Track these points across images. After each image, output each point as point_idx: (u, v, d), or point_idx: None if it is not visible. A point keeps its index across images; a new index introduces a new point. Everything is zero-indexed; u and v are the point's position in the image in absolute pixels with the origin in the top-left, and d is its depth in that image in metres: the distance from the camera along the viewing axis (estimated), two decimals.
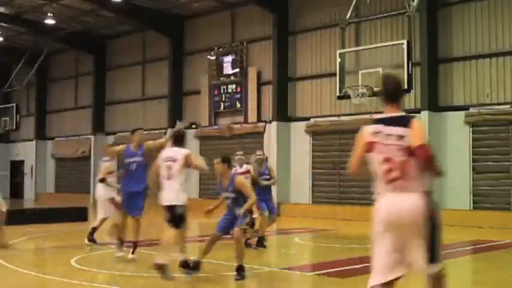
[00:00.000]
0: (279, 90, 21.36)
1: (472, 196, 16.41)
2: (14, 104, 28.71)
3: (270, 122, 21.75)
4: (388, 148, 4.07)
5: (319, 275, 8.29)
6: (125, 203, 9.55)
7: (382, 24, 19.03)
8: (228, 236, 7.86)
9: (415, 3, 15.30)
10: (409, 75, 14.38)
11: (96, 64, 29.03)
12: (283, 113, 21.37)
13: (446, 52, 17.99)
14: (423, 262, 4.07)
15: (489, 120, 16.80)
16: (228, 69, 23.41)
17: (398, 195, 4.10)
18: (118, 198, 10.52)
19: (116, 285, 7.38)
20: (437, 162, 4.05)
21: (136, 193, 9.28)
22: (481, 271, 9.10)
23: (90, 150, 29.01)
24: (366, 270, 8.80)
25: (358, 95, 15.10)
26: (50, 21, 24.77)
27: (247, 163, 11.23)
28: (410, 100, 18.15)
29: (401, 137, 4.04)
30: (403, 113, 4.23)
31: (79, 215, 17.43)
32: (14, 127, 28.40)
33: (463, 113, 17.26)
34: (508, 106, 16.65)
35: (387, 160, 4.09)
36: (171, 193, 7.65)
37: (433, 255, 4.09)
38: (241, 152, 11.46)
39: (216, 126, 23.85)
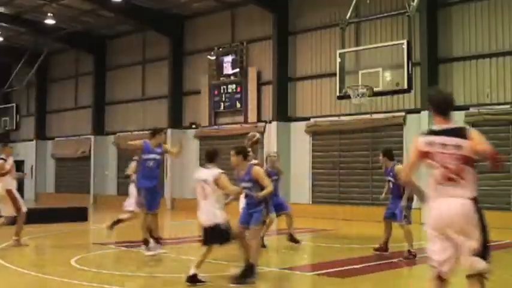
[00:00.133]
0: (279, 90, 21.36)
1: None
2: (14, 104, 28.76)
3: (270, 122, 21.75)
4: (445, 156, 4.49)
5: (319, 275, 8.29)
6: (146, 199, 9.60)
7: (382, 24, 19.03)
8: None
9: (415, 3, 15.30)
10: (409, 75, 14.38)
11: (96, 64, 29.02)
12: (283, 113, 21.37)
13: (446, 52, 17.99)
14: (473, 259, 4.44)
15: (489, 120, 16.79)
16: (228, 69, 23.40)
17: (452, 199, 4.50)
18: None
19: (116, 285, 7.38)
20: (502, 159, 4.52)
21: (155, 188, 9.74)
22: None
23: (90, 150, 29.02)
24: (366, 270, 8.85)
25: (358, 95, 15.10)
26: (50, 21, 24.75)
27: (255, 159, 11.24)
28: (410, 100, 18.17)
29: (458, 147, 4.48)
30: (456, 125, 4.64)
31: (79, 215, 17.45)
32: (14, 127, 28.45)
33: (463, 113, 17.24)
34: (508, 106, 16.65)
35: (444, 167, 4.51)
36: (208, 214, 7.58)
37: (484, 254, 4.46)
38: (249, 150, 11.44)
39: (216, 127, 23.86)
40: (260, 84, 22.54)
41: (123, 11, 24.21)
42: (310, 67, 21.17)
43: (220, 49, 23.67)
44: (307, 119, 20.96)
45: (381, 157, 10.40)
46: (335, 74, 16.29)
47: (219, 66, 23.63)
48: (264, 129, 22.00)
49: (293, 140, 21.21)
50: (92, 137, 28.94)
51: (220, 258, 8.99)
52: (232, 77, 23.22)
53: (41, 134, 32.05)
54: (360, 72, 15.30)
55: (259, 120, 22.36)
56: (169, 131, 24.76)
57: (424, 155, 4.59)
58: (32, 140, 32.16)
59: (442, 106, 4.66)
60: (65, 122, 31.48)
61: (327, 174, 20.40)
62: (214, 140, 23.78)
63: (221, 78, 23.53)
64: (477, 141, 4.47)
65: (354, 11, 16.95)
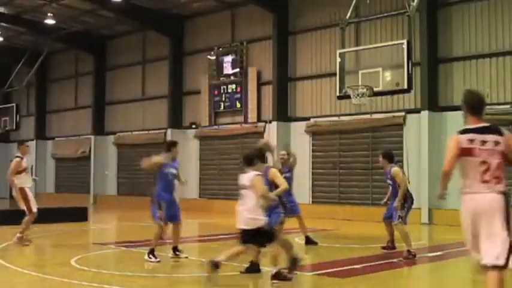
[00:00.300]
0: (279, 90, 21.37)
1: None
2: (14, 104, 28.72)
3: (270, 122, 21.75)
4: (485, 152, 4.89)
5: (319, 275, 8.29)
6: (168, 212, 9.60)
7: (382, 24, 19.03)
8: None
9: (415, 3, 15.30)
10: (409, 75, 14.37)
11: (96, 64, 29.02)
12: (283, 113, 21.37)
13: (446, 52, 17.99)
14: (502, 252, 4.78)
15: (489, 120, 16.74)
16: (228, 69, 23.41)
17: (488, 193, 4.87)
18: None
19: (116, 285, 7.38)
20: None
21: (175, 201, 9.91)
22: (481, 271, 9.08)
23: (90, 150, 29.03)
24: (366, 270, 8.84)
25: (358, 95, 15.08)
26: (50, 21, 24.75)
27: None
28: (410, 100, 18.17)
29: (497, 143, 4.93)
30: (490, 123, 5.09)
31: (79, 215, 17.45)
32: (14, 127, 28.41)
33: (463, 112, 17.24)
34: (508, 106, 16.65)
35: (484, 163, 4.89)
36: (249, 218, 7.54)
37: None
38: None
39: (216, 127, 23.87)
40: (260, 84, 22.54)
41: (123, 11, 24.22)
42: (310, 67, 21.17)
43: (220, 49, 23.67)
44: (307, 119, 20.95)
45: (380, 159, 10.41)
46: (335, 74, 16.28)
47: (219, 66, 23.63)
48: (264, 129, 22.01)
49: (293, 140, 21.20)
50: (92, 137, 28.95)
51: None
52: (232, 77, 23.22)
53: (41, 134, 32.05)
54: (360, 72, 15.28)
55: (259, 120, 22.36)
56: (169, 131, 24.78)
57: (465, 152, 4.93)
58: (32, 140, 32.14)
59: (477, 107, 5.08)
60: (65, 122, 31.49)
61: (327, 174, 20.40)
62: (214, 140, 23.82)
63: (221, 78, 23.53)
64: (510, 138, 4.96)
65: (354, 11, 16.94)
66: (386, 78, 14.90)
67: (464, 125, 5.14)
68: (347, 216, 18.84)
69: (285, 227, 12.01)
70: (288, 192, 10.69)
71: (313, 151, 20.79)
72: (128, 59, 27.82)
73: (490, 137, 4.92)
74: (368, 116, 19.21)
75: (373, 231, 13.87)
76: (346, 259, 9.94)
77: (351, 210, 19.10)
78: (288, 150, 12.51)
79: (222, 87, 23.56)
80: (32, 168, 31.30)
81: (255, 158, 7.71)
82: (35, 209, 11.63)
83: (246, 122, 22.81)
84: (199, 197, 24.07)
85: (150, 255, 9.34)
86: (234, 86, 23.22)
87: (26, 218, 11.57)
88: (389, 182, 10.19)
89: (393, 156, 10.51)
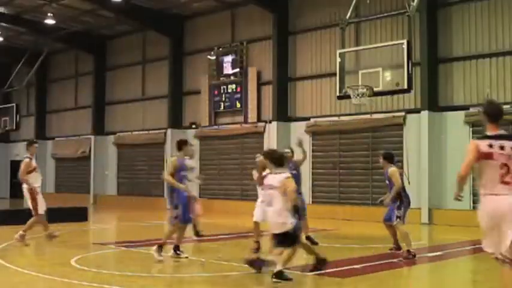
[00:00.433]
0: (279, 90, 21.36)
1: (472, 196, 16.37)
2: (14, 104, 28.71)
3: (270, 122, 21.75)
4: (503, 156, 5.38)
5: (319, 275, 8.29)
6: (183, 212, 9.62)
7: (382, 24, 19.02)
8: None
9: (415, 3, 15.29)
10: (409, 75, 14.36)
11: (96, 64, 29.02)
12: (283, 113, 21.37)
13: (446, 52, 17.99)
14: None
15: None
16: (228, 69, 23.40)
17: (506, 195, 5.32)
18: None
19: (116, 285, 7.38)
20: None
21: (189, 201, 9.96)
22: (481, 271, 9.08)
23: (90, 150, 29.02)
24: (366, 270, 8.84)
25: (358, 95, 15.08)
26: (50, 21, 24.74)
27: None
28: (410, 100, 18.17)
29: None
30: (508, 132, 5.77)
31: (79, 215, 17.43)
32: (14, 127, 28.40)
33: (463, 112, 17.26)
34: (508, 106, 16.61)
35: (504, 165, 5.38)
36: (277, 221, 7.60)
37: None
38: (259, 155, 11.38)
39: (216, 127, 23.86)
40: (260, 84, 22.53)
41: (123, 11, 24.21)
42: (310, 67, 21.17)
43: (220, 49, 23.67)
44: (307, 119, 20.95)
45: (381, 159, 10.42)
46: (335, 74, 16.28)
47: (219, 66, 23.63)
48: (264, 129, 22.01)
49: (293, 140, 21.16)
50: (92, 137, 28.94)
51: (222, 258, 8.98)
52: (232, 77, 23.22)
53: (41, 134, 32.00)
54: (360, 72, 15.28)
55: (259, 120, 22.36)
56: (169, 131, 24.77)
57: (484, 156, 5.40)
58: None
59: (498, 116, 5.60)
60: (65, 122, 31.48)
61: (327, 174, 20.40)
62: (214, 140, 23.81)
63: (221, 78, 23.53)
64: None
65: (354, 11, 16.94)
66: (386, 78, 14.90)
67: (484, 132, 5.62)
68: (347, 216, 18.84)
69: None
70: (298, 191, 10.71)
71: (313, 151, 20.76)
72: (127, 59, 27.82)
73: (508, 143, 5.41)
74: (368, 116, 19.21)
75: (373, 231, 13.87)
76: (346, 259, 9.94)
77: (351, 210, 19.10)
78: (301, 144, 12.34)
79: (222, 87, 23.56)
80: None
81: (282, 159, 7.71)
82: (41, 211, 11.71)
83: (246, 122, 22.81)
84: (199, 197, 23.94)
85: (158, 253, 9.34)
86: (234, 86, 23.22)
87: (32, 219, 11.66)
88: (387, 182, 10.22)
89: (393, 157, 10.53)
